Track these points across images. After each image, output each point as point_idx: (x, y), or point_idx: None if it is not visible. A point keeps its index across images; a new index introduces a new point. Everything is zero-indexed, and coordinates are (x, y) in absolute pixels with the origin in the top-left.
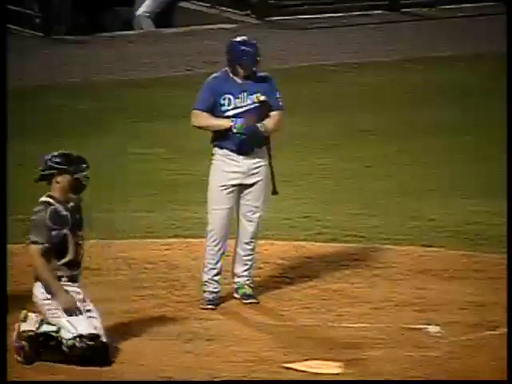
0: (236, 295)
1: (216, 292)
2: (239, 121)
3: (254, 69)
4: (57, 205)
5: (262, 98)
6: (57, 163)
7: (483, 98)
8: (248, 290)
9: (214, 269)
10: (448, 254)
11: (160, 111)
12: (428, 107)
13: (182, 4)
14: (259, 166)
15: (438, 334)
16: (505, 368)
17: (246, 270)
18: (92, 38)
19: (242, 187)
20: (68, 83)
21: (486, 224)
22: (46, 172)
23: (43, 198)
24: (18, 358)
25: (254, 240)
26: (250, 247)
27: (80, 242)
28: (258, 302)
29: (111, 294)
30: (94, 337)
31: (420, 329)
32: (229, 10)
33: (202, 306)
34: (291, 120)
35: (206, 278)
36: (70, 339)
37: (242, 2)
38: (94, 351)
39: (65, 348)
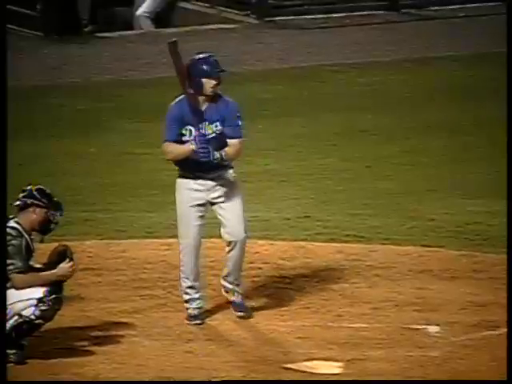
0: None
1: (200, 307)
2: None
3: (218, 83)
4: (27, 236)
5: (219, 129)
6: (41, 196)
7: (483, 98)
8: (237, 299)
9: (193, 287)
10: (448, 253)
11: (160, 111)
12: (428, 107)
13: (182, 4)
14: (222, 184)
15: (438, 334)
16: (505, 368)
17: (229, 274)
18: (92, 38)
19: (211, 206)
20: (68, 83)
21: (486, 224)
22: (28, 200)
23: (14, 224)
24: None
25: (236, 243)
26: (229, 249)
27: None
28: (249, 316)
29: (111, 294)
30: (48, 290)
31: (420, 329)
32: (229, 9)
33: (187, 322)
34: (291, 120)
35: (187, 297)
36: (35, 310)
37: (242, 2)
38: (60, 299)
39: (38, 320)
